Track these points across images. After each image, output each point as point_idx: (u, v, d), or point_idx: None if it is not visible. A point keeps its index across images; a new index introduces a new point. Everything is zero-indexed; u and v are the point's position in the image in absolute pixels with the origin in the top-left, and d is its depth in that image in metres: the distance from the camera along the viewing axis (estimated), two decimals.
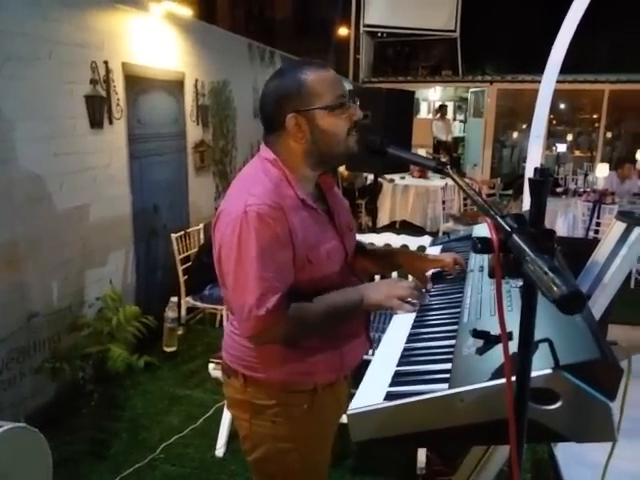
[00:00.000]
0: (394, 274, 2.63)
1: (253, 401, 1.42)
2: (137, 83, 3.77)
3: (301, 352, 1.39)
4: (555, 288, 0.59)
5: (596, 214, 5.82)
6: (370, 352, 1.81)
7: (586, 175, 8.03)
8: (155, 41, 3.98)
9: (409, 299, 1.39)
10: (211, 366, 2.64)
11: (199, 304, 4.09)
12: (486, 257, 1.55)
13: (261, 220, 1.24)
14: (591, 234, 5.72)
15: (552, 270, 0.60)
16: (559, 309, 0.59)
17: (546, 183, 0.75)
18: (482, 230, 1.88)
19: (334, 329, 1.40)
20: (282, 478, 1.50)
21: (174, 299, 3.87)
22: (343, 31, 12.60)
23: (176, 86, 4.34)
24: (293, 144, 1.35)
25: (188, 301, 4.08)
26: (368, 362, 1.17)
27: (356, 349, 1.52)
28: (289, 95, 1.31)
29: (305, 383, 1.41)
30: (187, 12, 4.41)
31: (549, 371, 0.84)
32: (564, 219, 6.28)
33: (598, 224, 5.78)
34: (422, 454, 2.60)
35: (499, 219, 0.79)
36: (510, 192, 7.61)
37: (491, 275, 1.17)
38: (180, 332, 4.00)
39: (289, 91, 1.32)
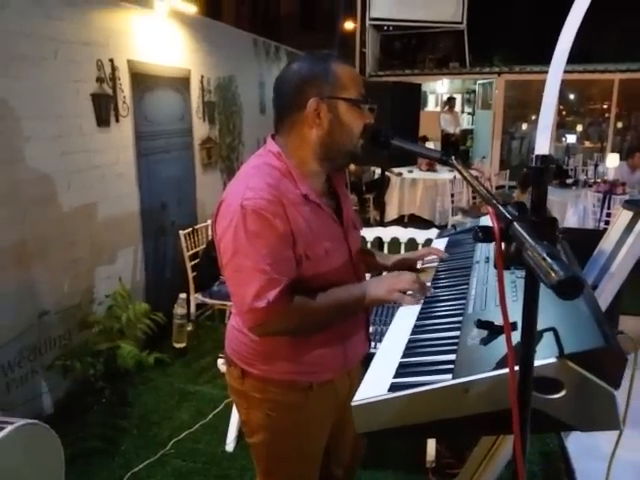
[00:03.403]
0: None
1: (250, 394, 1.46)
2: (143, 80, 3.77)
3: (298, 351, 1.40)
4: (553, 274, 0.58)
5: (607, 205, 5.76)
6: (375, 346, 1.81)
7: (596, 166, 7.93)
8: (160, 38, 3.99)
9: (411, 292, 1.38)
10: (220, 361, 2.65)
11: (208, 300, 4.10)
12: (492, 249, 1.54)
13: (257, 214, 1.23)
14: (602, 225, 5.66)
15: (550, 256, 0.60)
16: (557, 294, 0.58)
17: (547, 170, 0.74)
18: (488, 221, 1.86)
19: (335, 324, 1.40)
20: (276, 462, 1.54)
21: (183, 295, 3.88)
22: (349, 25, 12.53)
23: (182, 83, 4.34)
24: (307, 131, 1.33)
25: (197, 297, 4.09)
26: (371, 356, 1.17)
27: (356, 348, 1.52)
28: (316, 79, 1.30)
29: (301, 382, 1.42)
30: (192, 8, 4.40)
31: (553, 360, 0.83)
32: (574, 210, 6.22)
33: (609, 215, 5.72)
34: (432, 447, 2.60)
35: (500, 207, 0.79)
36: None
37: (496, 266, 1.16)
38: (189, 328, 4.01)
39: (317, 75, 1.30)
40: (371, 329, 2.48)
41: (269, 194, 1.25)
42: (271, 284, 1.24)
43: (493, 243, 0.78)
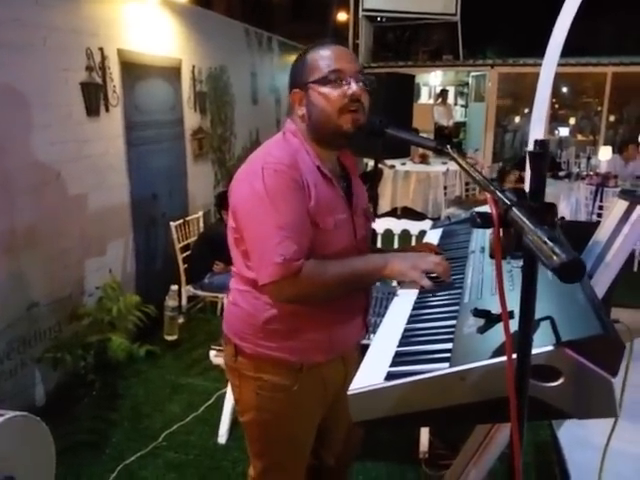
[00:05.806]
0: None
1: (242, 371, 1.49)
2: (133, 70, 3.73)
3: (291, 329, 1.42)
4: (555, 257, 0.58)
5: (599, 197, 5.79)
6: (369, 337, 1.79)
7: (589, 158, 7.95)
8: (151, 27, 3.94)
9: (433, 275, 1.37)
10: (212, 353, 2.63)
11: (199, 292, 4.08)
12: (487, 238, 1.53)
13: (278, 175, 1.29)
14: (594, 217, 5.69)
15: (552, 240, 0.59)
16: (559, 277, 0.57)
17: (545, 155, 0.73)
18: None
19: (352, 290, 1.43)
20: (264, 442, 1.58)
21: (174, 288, 3.85)
22: (342, 16, 12.46)
23: (173, 72, 4.30)
24: (299, 120, 1.43)
25: (188, 289, 4.07)
26: (367, 347, 1.15)
27: (347, 332, 1.52)
28: (294, 73, 1.43)
29: (291, 361, 1.43)
30: None
31: (550, 348, 0.82)
32: (567, 203, 6.23)
33: (601, 207, 5.75)
34: (425, 438, 2.60)
35: (499, 193, 0.77)
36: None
37: (492, 255, 1.16)
38: (181, 321, 3.99)
39: (294, 70, 1.43)
40: None
41: (288, 160, 1.33)
42: (289, 240, 1.27)
43: (490, 231, 0.77)
